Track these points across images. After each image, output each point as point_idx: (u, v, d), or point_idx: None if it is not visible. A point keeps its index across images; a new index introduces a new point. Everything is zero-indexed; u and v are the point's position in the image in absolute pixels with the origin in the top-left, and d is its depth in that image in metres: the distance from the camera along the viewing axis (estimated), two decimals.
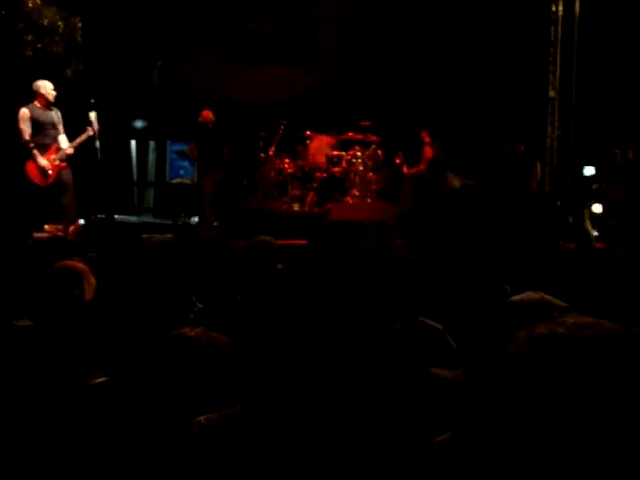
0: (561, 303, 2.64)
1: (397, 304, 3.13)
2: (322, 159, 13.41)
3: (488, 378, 1.06)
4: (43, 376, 3.06)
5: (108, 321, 3.11)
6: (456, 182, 13.14)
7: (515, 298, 2.69)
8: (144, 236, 8.77)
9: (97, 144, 11.08)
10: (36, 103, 10.80)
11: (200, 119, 12.79)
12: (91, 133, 11.02)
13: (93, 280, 3.77)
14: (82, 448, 2.52)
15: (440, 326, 3.71)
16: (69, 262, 3.94)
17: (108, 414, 2.56)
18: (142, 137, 17.08)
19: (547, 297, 2.66)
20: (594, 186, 13.22)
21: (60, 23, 13.48)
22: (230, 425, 1.93)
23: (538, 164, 12.56)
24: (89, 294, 3.73)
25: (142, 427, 2.44)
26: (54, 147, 10.87)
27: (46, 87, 10.87)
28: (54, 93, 10.91)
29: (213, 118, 12.80)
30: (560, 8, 14.09)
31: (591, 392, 0.94)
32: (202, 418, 2.00)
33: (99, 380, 2.82)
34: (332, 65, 16.05)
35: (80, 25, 13.83)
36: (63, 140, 10.97)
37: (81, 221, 11.27)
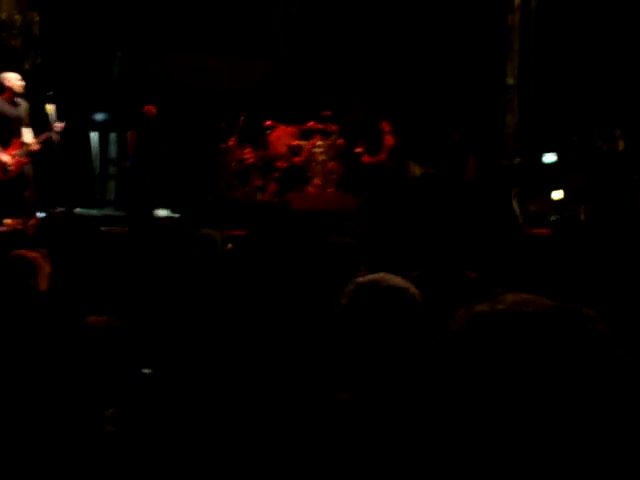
0: (407, 285, 2.32)
1: (338, 287, 3.16)
2: (283, 149, 13.41)
3: (429, 356, 1.07)
4: None
5: (61, 311, 3.13)
6: (417, 170, 13.19)
7: (360, 279, 2.40)
8: (103, 229, 8.73)
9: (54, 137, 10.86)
10: (2, 97, 10.32)
11: (144, 111, 13.22)
12: (58, 129, 10.60)
13: (47, 268, 3.78)
14: (34, 436, 2.53)
15: None
16: (24, 251, 3.94)
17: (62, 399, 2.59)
18: (103, 129, 16.95)
19: (393, 279, 2.33)
20: (516, 160, 13.44)
21: (17, 17, 13.35)
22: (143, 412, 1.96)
23: (471, 155, 12.79)
24: (43, 284, 3.74)
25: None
26: (17, 142, 10.48)
27: (11, 79, 10.34)
28: (21, 83, 10.38)
29: (155, 112, 13.22)
30: None
31: (532, 368, 0.96)
32: (109, 412, 2.03)
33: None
34: (289, 53, 16.02)
35: (38, 18, 13.70)
36: (27, 134, 10.52)
37: (40, 214, 11.13)
